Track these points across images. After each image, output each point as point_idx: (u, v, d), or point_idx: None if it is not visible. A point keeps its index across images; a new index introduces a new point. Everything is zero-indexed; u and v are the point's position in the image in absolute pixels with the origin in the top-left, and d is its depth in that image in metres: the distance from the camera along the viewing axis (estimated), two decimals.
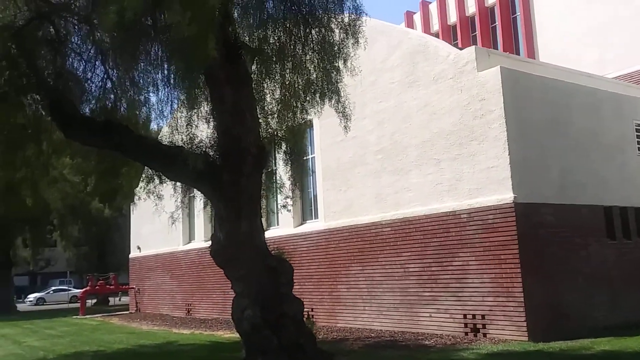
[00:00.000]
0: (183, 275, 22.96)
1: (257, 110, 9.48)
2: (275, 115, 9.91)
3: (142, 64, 8.89)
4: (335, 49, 9.28)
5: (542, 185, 11.92)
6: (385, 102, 14.42)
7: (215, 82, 8.84)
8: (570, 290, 11.89)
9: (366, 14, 9.35)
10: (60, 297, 41.36)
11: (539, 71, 13.34)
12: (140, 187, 10.48)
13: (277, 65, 9.11)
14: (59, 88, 9.78)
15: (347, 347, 11.82)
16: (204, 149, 9.41)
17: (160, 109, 9.11)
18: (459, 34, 28.51)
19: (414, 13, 31.89)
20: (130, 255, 27.96)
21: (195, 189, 11.91)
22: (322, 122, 14.88)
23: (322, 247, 15.97)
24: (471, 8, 28.23)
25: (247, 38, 9.17)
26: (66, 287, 44.76)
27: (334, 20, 9.35)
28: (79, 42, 10.49)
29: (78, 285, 46.46)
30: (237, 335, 9.97)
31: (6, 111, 10.88)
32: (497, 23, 26.76)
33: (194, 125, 9.51)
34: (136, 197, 11.99)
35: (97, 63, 10.37)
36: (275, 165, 10.87)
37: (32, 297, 42.34)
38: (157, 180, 10.22)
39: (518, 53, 23.99)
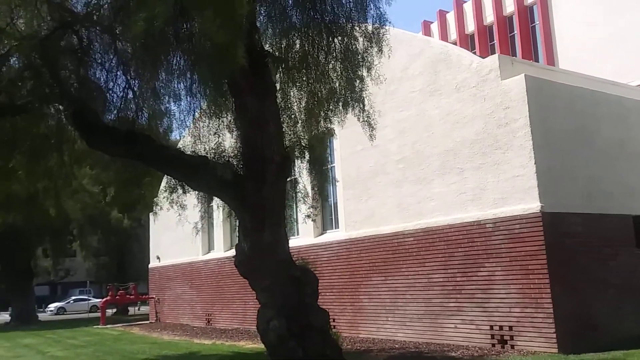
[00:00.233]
0: (203, 285, 22.92)
1: (281, 119, 9.41)
2: (299, 124, 9.83)
3: (163, 74, 8.90)
4: (359, 57, 9.22)
5: (569, 195, 11.67)
6: (406, 111, 14.29)
7: (238, 91, 8.79)
8: (599, 301, 11.60)
9: (390, 22, 9.28)
10: (80, 307, 41.61)
11: (563, 79, 13.12)
12: (164, 197, 10.45)
13: (300, 74, 9.05)
14: (82, 97, 9.80)
15: (371, 358, 11.64)
16: (227, 159, 9.35)
17: (182, 118, 9.14)
18: (477, 43, 28.40)
19: (431, 23, 31.86)
20: (150, 265, 28.03)
21: (215, 199, 11.89)
22: (342, 131, 14.77)
23: (343, 257, 15.82)
24: (489, 17, 28.14)
25: (270, 47, 9.12)
26: (86, 297, 45.03)
27: (357, 29, 9.29)
28: (101, 52, 10.55)
29: (97, 295, 46.75)
30: (260, 345, 9.90)
31: (29, 121, 10.98)
32: (515, 32, 26.60)
33: (219, 135, 9.46)
34: (157, 207, 11.94)
35: (118, 73, 10.41)
36: (299, 175, 10.78)
37: (52, 306, 42.68)
38: (180, 190, 10.19)
39: (537, 62, 23.76)
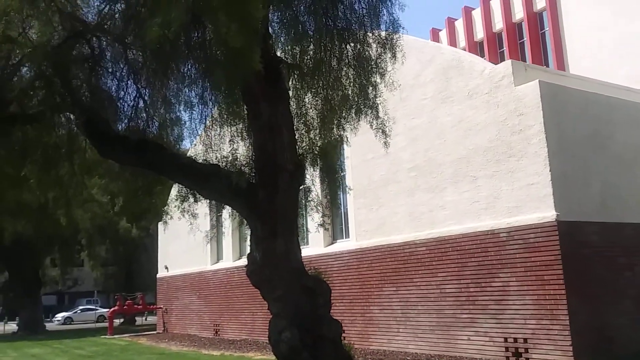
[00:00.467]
0: (211, 295, 22.77)
1: (294, 126, 9.31)
2: (312, 131, 9.73)
3: (175, 82, 8.84)
4: (372, 64, 9.11)
5: (584, 203, 11.48)
6: (417, 119, 14.17)
7: (251, 98, 8.71)
8: (615, 312, 11.37)
9: (403, 28, 9.18)
10: (87, 317, 41.57)
11: (577, 85, 12.96)
12: (175, 206, 10.36)
13: (313, 81, 8.96)
14: (93, 106, 9.75)
15: None
16: (239, 166, 9.26)
17: (194, 126, 9.05)
18: (486, 50, 28.29)
19: (440, 30, 31.80)
20: (158, 275, 27.92)
21: (226, 208, 11.77)
22: (353, 139, 14.64)
23: (353, 267, 15.65)
24: (498, 24, 28.04)
25: (283, 54, 9.04)
26: (93, 307, 44.97)
27: (370, 35, 9.19)
28: (112, 61, 10.52)
29: (105, 304, 46.67)
30: (269, 357, 9.76)
31: (40, 130, 10.94)
32: (525, 39, 26.47)
33: (233, 142, 9.37)
34: (168, 217, 11.84)
35: (129, 82, 10.37)
36: (312, 183, 10.66)
37: (60, 316, 42.64)
38: (191, 199, 10.09)
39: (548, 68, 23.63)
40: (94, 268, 38.58)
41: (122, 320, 35.11)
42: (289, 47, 8.86)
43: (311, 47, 8.83)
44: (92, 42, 10.04)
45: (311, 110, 9.60)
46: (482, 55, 27.83)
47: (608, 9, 21.48)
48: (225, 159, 9.55)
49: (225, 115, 9.00)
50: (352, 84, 9.18)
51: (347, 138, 10.02)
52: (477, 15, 29.22)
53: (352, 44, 9.06)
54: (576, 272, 10.85)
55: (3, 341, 26.43)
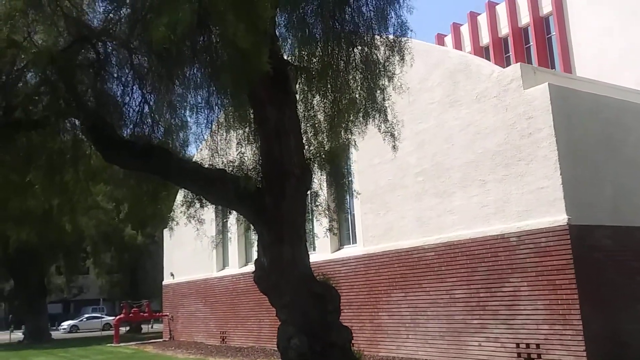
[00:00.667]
0: (217, 302, 22.62)
1: (301, 130, 9.19)
2: (319, 135, 9.61)
3: (180, 87, 8.76)
4: (380, 67, 9.00)
5: (596, 207, 11.31)
6: (424, 123, 14.04)
7: (258, 101, 8.60)
8: (629, 318, 11.16)
9: (411, 31, 9.06)
10: (93, 325, 41.44)
11: (586, 88, 12.81)
12: (180, 212, 10.24)
13: (320, 84, 8.85)
14: (98, 112, 9.67)
15: None
16: (245, 171, 9.14)
17: (200, 131, 8.96)
18: (491, 55, 28.16)
19: (445, 36, 31.71)
20: (164, 282, 27.80)
21: (231, 214, 11.65)
22: (360, 144, 14.56)
23: (361, 273, 15.49)
24: (504, 29, 27.92)
25: (290, 57, 8.94)
26: (99, 315, 44.84)
27: (378, 37, 9.08)
28: (117, 66, 10.45)
29: (110, 312, 46.56)
30: None
31: (44, 136, 10.86)
32: (531, 43, 26.35)
33: (240, 145, 9.26)
34: (174, 222, 11.73)
35: (134, 87, 10.30)
36: (319, 187, 10.53)
37: (65, 324, 42.52)
38: (197, 204, 9.97)
39: None
40: (99, 275, 38.49)
41: (128, 328, 34.98)
42: (296, 50, 8.75)
43: (318, 50, 8.71)
44: (98, 47, 9.98)
45: (319, 113, 9.48)
46: (488, 60, 27.72)
47: (614, 14, 21.33)
48: (231, 164, 9.45)
49: (231, 120, 8.91)
50: (359, 87, 9.07)
51: (355, 142, 9.89)
52: (483, 20, 29.12)
53: (359, 47, 8.95)
54: (588, 276, 10.67)
55: (9, 350, 26.35)
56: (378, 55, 9.05)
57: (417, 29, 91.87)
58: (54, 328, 40.29)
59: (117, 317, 30.83)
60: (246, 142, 9.54)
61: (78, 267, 36.73)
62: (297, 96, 9.23)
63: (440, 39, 31.64)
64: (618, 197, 11.67)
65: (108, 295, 44.10)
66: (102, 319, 42.16)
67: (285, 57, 8.90)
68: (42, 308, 33.60)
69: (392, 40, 9.07)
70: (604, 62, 20.95)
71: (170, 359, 18.27)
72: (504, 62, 26.89)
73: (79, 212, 15.14)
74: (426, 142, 13.91)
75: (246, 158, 9.54)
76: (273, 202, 8.78)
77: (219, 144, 9.70)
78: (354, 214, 16.28)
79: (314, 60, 8.84)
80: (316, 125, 9.59)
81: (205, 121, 8.49)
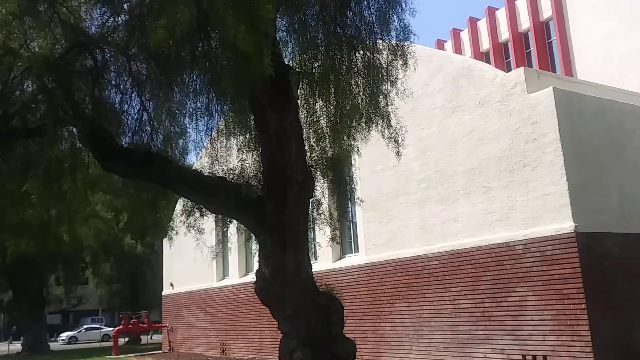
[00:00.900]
0: (217, 313, 22.34)
1: (304, 136, 8.99)
2: (321, 141, 9.41)
3: (179, 93, 8.60)
4: (382, 71, 8.82)
5: (603, 213, 11.11)
6: (427, 129, 13.86)
7: (259, 107, 8.39)
8: (639, 327, 10.94)
9: (414, 35, 8.89)
10: (92, 336, 41.12)
11: (590, 91, 12.64)
12: (180, 221, 10.03)
13: (322, 89, 8.67)
14: (96, 119, 9.49)
15: None
16: (246, 179, 8.93)
17: (199, 139, 8.79)
18: (492, 60, 28.05)
19: (445, 41, 31.64)
20: (163, 293, 27.51)
21: (231, 223, 11.42)
22: (362, 150, 14.38)
23: (363, 282, 15.25)
24: (504, 34, 27.84)
25: (291, 61, 8.77)
26: (98, 326, 44.51)
27: (381, 42, 8.91)
28: (115, 73, 10.30)
29: (110, 323, 46.21)
30: None
31: (42, 145, 10.68)
32: (532, 49, 26.24)
33: (241, 152, 9.07)
34: (173, 232, 11.52)
35: (133, 94, 10.13)
36: (321, 195, 10.33)
37: (64, 335, 42.20)
38: (197, 214, 9.76)
39: None
40: (98, 286, 38.19)
41: (127, 339, 34.66)
42: (298, 55, 8.58)
43: (320, 54, 8.53)
44: (95, 54, 9.82)
45: (321, 119, 9.29)
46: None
47: (615, 18, 21.23)
48: (232, 172, 9.23)
49: (231, 126, 8.73)
50: (362, 92, 8.88)
51: (357, 148, 9.69)
52: (483, 25, 29.06)
53: (361, 51, 8.77)
54: (597, 285, 10.45)
55: None
56: (380, 59, 8.87)
57: (417, 34, 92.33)
58: (53, 339, 39.94)
59: (116, 328, 30.54)
60: (247, 149, 9.33)
61: (77, 277, 36.40)
62: (299, 101, 9.04)
63: (440, 45, 31.56)
64: (625, 203, 11.48)
65: (107, 306, 43.81)
66: (101, 330, 41.85)
67: (286, 62, 8.71)
68: (41, 319, 33.28)
69: (394, 45, 8.89)
70: (606, 66, 20.82)
71: None
72: (504, 67, 26.75)
73: (78, 222, 14.93)
74: (429, 148, 13.73)
75: (247, 165, 9.33)
76: (275, 209, 8.55)
77: (219, 151, 9.50)
78: (356, 222, 16.07)
79: (316, 64, 8.66)
80: (318, 131, 9.40)
81: (205, 128, 8.32)
